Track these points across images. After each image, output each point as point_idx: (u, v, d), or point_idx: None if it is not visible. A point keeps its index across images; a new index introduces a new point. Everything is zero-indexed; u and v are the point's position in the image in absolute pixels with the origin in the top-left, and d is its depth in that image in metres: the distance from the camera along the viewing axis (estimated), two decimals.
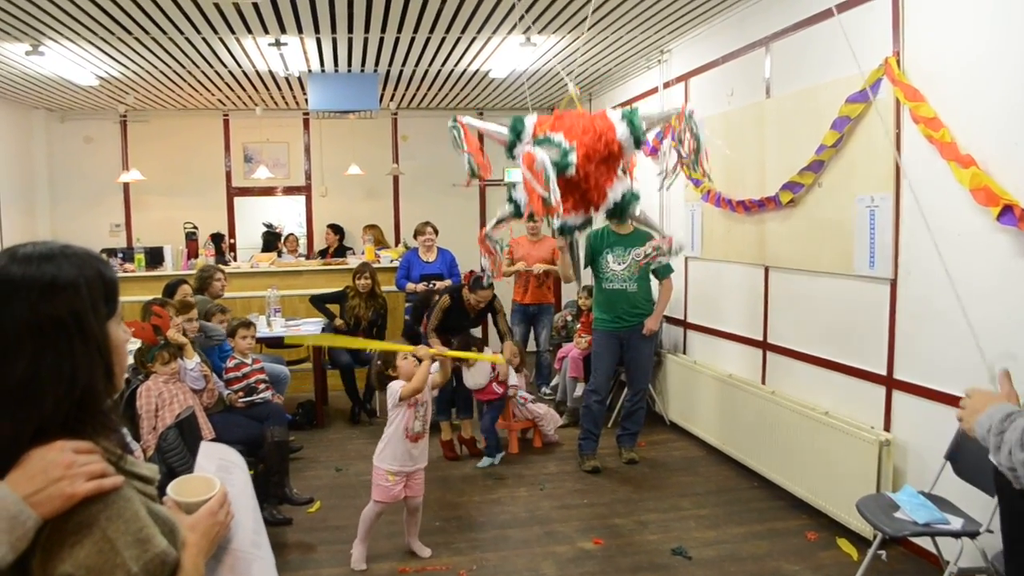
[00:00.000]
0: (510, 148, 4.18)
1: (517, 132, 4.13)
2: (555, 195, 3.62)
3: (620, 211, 4.26)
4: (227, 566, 1.38)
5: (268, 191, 9.65)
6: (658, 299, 5.62)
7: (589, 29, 5.72)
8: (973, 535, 3.09)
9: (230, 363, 4.95)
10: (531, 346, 7.35)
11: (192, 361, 4.33)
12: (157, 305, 4.54)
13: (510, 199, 4.26)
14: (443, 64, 6.97)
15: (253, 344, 5.34)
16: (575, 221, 4.24)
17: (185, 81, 7.39)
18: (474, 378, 5.66)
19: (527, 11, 5.27)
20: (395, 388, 3.93)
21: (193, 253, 8.12)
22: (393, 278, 7.39)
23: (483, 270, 4.98)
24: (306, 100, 8.00)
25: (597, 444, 5.44)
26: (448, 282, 6.89)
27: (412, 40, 6.07)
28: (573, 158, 3.84)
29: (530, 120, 4.14)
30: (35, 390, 1.10)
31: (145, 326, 4.23)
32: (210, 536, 1.30)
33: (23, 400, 1.10)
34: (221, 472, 1.47)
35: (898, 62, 3.81)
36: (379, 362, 4.12)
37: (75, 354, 1.14)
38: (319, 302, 6.97)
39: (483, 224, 9.77)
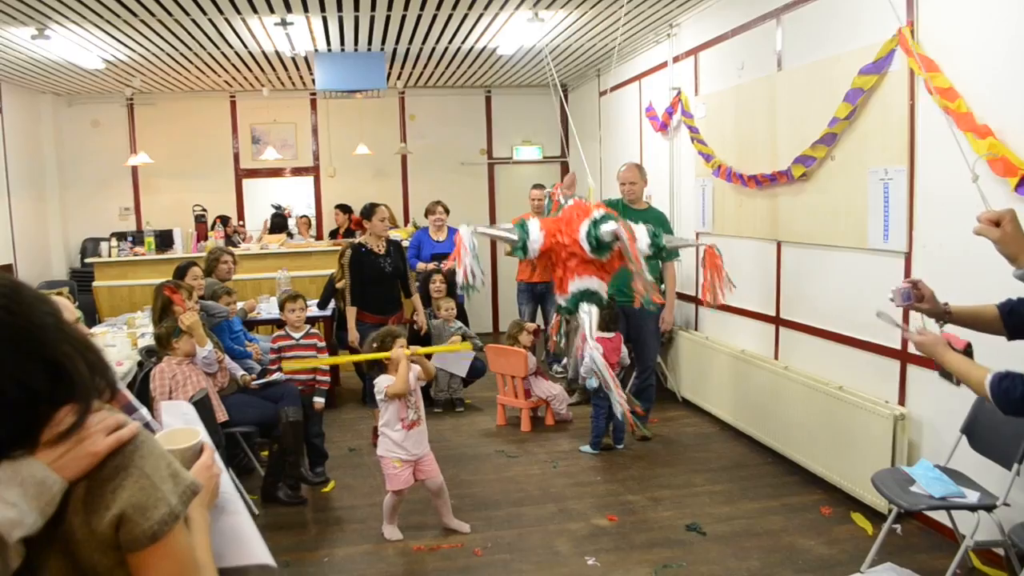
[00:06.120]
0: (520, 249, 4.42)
1: (523, 241, 4.37)
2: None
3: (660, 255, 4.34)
4: (224, 515, 1.52)
5: (276, 172, 9.63)
6: (667, 288, 5.57)
7: (597, 3, 5.66)
8: (989, 508, 3.08)
9: (274, 344, 5.30)
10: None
11: (205, 348, 4.33)
12: (170, 287, 4.55)
13: (520, 247, 4.40)
14: (450, 41, 6.91)
15: (304, 317, 5.42)
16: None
17: (191, 63, 7.36)
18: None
19: None
20: (380, 385, 3.94)
21: (202, 235, 8.14)
22: None
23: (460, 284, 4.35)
24: (313, 80, 7.95)
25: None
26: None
27: (419, 17, 6.01)
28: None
29: (534, 227, 4.38)
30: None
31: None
32: (210, 488, 1.43)
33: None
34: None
35: (912, 32, 3.75)
36: (375, 345, 4.08)
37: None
38: (326, 301, 6.83)
39: (491, 205, 9.78)
